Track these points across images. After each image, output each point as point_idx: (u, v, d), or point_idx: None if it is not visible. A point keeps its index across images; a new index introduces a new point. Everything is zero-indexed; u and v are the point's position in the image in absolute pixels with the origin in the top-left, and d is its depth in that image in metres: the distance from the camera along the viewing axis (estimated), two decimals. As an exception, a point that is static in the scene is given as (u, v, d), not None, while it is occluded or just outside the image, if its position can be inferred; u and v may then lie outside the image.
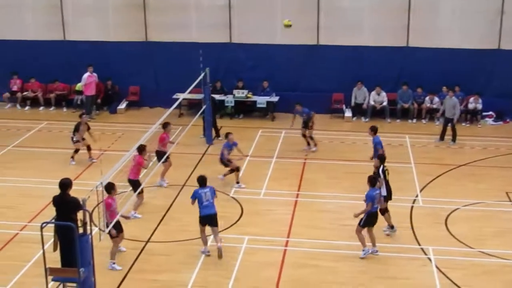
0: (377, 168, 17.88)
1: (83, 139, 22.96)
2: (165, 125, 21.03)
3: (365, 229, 16.55)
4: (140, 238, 17.37)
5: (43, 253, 13.24)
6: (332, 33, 28.18)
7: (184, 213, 18.68)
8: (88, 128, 23.13)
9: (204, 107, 24.68)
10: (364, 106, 27.77)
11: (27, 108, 29.95)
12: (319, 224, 18.28)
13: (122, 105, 29.36)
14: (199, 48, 25.79)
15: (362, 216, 16.43)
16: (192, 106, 28.42)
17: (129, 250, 16.75)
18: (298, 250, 16.93)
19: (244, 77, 28.49)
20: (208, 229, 16.53)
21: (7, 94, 30.10)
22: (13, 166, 22.72)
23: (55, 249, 14.06)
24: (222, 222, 18.22)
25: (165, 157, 20.69)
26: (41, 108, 29.76)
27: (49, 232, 13.78)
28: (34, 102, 29.97)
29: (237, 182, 20.85)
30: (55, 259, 13.71)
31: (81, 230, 13.34)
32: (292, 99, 27.46)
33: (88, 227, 13.36)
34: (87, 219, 13.35)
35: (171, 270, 15.96)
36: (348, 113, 27.92)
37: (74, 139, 22.90)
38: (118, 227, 15.83)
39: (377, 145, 20.01)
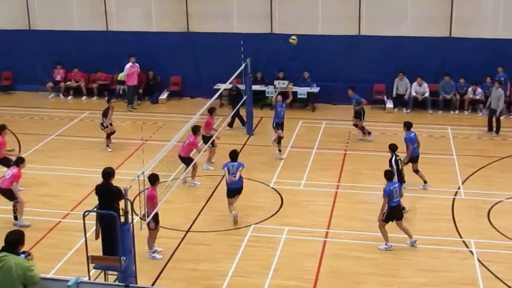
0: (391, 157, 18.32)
1: (111, 124, 23.40)
2: (211, 110, 21.51)
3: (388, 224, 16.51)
4: (181, 228, 17.48)
5: (85, 241, 13.39)
6: (374, 23, 28.00)
7: (224, 203, 18.72)
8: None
9: (245, 97, 24.72)
10: (406, 97, 27.54)
11: (70, 97, 30.28)
12: (359, 216, 18.23)
13: (164, 95, 29.52)
14: (240, 39, 25.79)
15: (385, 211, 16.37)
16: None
17: (169, 239, 16.85)
18: (338, 241, 16.91)
19: (284, 68, 28.44)
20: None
21: (50, 84, 30.45)
22: (56, 155, 23.01)
23: (97, 238, 14.22)
24: (262, 212, 18.36)
25: (210, 141, 20.89)
26: (84, 97, 30.06)
27: (91, 221, 13.93)
28: (77, 92, 30.28)
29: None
30: (97, 247, 13.87)
31: (122, 219, 13.46)
32: (333, 90, 27.54)
33: (130, 216, 13.49)
34: (129, 208, 13.47)
35: (211, 260, 16.04)
36: (389, 104, 27.73)
37: (104, 124, 23.25)
38: (157, 219, 15.93)
39: (407, 141, 19.63)
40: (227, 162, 17.92)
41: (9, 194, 17.88)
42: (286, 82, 27.70)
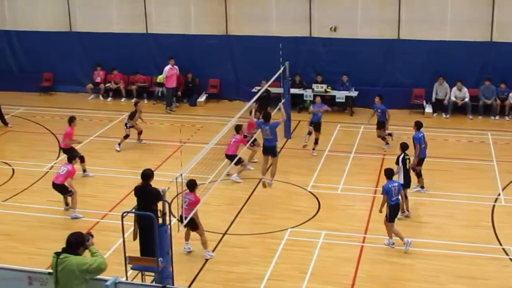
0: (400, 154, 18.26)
1: (135, 124, 23.99)
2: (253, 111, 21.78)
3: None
4: (218, 230, 17.52)
5: (123, 242, 13.49)
6: (413, 27, 27.80)
7: (262, 206, 18.80)
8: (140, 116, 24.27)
9: (283, 100, 24.70)
10: (445, 102, 27.31)
11: (109, 99, 30.54)
12: (397, 221, 18.07)
13: (202, 98, 29.62)
14: (279, 42, 25.77)
15: (385, 210, 16.50)
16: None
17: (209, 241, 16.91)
18: (376, 246, 16.82)
19: (323, 71, 28.39)
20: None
21: (90, 85, 30.75)
22: (95, 156, 23.18)
23: (134, 238, 14.31)
24: (299, 216, 18.33)
25: (251, 141, 21.27)
26: (123, 99, 30.29)
27: (130, 221, 14.03)
28: (116, 94, 30.51)
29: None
30: (134, 248, 13.96)
31: (160, 220, 13.54)
32: (372, 94, 27.23)
33: (167, 218, 13.55)
34: (167, 210, 13.54)
35: (247, 263, 16.06)
36: (428, 109, 27.51)
37: (128, 125, 23.79)
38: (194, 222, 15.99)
39: (415, 140, 19.49)
40: (260, 121, 19.32)
41: (63, 189, 18.57)
42: (324, 85, 27.68)
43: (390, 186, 16.43)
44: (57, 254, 10.62)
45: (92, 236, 11.08)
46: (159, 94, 29.71)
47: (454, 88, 27.21)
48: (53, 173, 20.99)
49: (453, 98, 27.20)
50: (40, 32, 31.37)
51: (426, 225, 17.55)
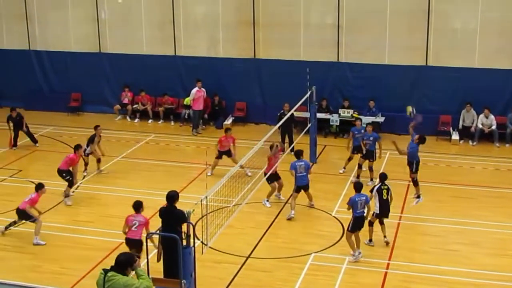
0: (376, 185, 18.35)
1: (95, 150, 23.59)
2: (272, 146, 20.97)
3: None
4: (241, 253, 17.50)
5: (147, 262, 13.52)
6: (441, 54, 27.75)
7: (286, 230, 18.75)
8: (99, 141, 23.76)
9: (309, 125, 24.73)
10: (472, 129, 27.16)
11: (136, 120, 30.72)
12: (422, 248, 18.01)
13: (228, 121, 29.71)
14: (306, 66, 25.86)
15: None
16: (297, 124, 28.43)
17: (230, 264, 16.90)
18: (400, 273, 16.69)
19: (350, 97, 28.40)
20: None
21: (117, 106, 30.98)
22: (121, 176, 23.33)
23: (158, 260, 14.35)
24: (324, 241, 18.27)
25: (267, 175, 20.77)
26: (150, 120, 30.46)
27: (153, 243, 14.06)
28: (143, 115, 30.70)
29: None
30: (158, 269, 13.98)
31: (184, 242, 13.57)
32: (398, 120, 27.27)
33: (192, 240, 13.57)
34: (191, 232, 13.57)
35: (270, 287, 16.00)
36: (455, 136, 27.37)
37: (87, 151, 23.23)
38: None
39: (411, 149, 20.54)
40: (293, 161, 19.54)
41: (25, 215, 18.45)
42: (351, 110, 27.66)
43: (357, 199, 17.19)
44: (105, 271, 10.66)
45: (139, 257, 11.10)
46: (186, 116, 29.85)
47: (481, 115, 27.07)
48: (78, 192, 21.20)
49: (480, 126, 27.05)
50: (70, 52, 31.75)
51: (453, 253, 17.40)
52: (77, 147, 21.47)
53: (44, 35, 32.29)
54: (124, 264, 10.64)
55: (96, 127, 23.70)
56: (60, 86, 32.20)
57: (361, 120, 23.71)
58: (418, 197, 20.89)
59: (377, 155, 22.81)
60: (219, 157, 23.31)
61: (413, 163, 21.10)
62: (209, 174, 22.70)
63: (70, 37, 31.91)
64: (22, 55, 32.32)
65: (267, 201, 20.73)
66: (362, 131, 22.85)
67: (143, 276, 10.87)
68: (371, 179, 22.41)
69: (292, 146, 24.91)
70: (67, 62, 31.83)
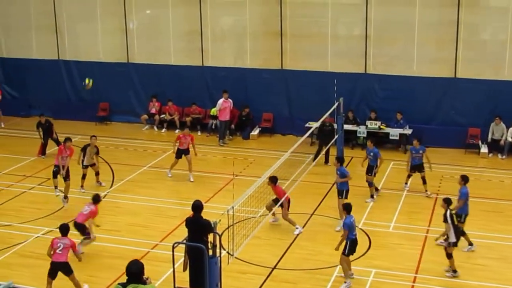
0: (445, 211, 16.86)
1: (94, 164, 23.09)
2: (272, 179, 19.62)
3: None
4: (267, 264, 17.45)
5: (173, 272, 13.52)
6: (470, 66, 27.54)
7: (312, 242, 18.68)
8: (97, 152, 23.16)
9: (336, 136, 24.66)
10: (501, 142, 26.91)
11: (163, 130, 30.82)
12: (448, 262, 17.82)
13: (255, 131, 29.71)
14: (333, 78, 25.81)
15: (343, 245, 16.34)
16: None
17: (255, 275, 16.85)
18: (426, 286, 16.56)
19: (377, 108, 28.27)
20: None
21: (145, 116, 31.10)
22: (148, 186, 23.39)
23: (184, 269, 14.35)
24: (350, 253, 18.16)
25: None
26: (177, 130, 30.51)
27: (180, 252, 14.07)
28: (170, 125, 30.79)
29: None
30: (183, 279, 13.98)
31: (210, 252, 13.55)
32: (426, 132, 27.11)
33: (218, 250, 13.55)
34: (217, 242, 13.55)
35: (296, 298, 15.96)
36: (484, 149, 27.11)
37: (84, 163, 22.91)
38: None
39: (462, 196, 18.65)
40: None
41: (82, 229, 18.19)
42: (378, 122, 27.53)
43: (351, 220, 16.40)
44: (123, 285, 10.48)
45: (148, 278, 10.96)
46: (213, 127, 29.90)
47: (511, 129, 26.80)
48: (105, 201, 21.28)
49: (509, 139, 26.78)
50: (98, 62, 31.97)
51: (481, 268, 17.23)
52: (66, 140, 21.98)
53: (73, 46, 32.57)
54: (139, 273, 10.50)
55: (91, 137, 23.30)
56: (88, 96, 32.41)
57: (418, 139, 22.74)
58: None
59: (376, 170, 22.34)
60: (178, 156, 24.08)
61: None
62: (169, 175, 24.13)
63: (99, 47, 32.17)
64: (52, 65, 32.62)
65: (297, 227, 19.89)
66: (421, 151, 22.31)
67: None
68: (372, 196, 22.24)
69: (327, 158, 25.32)
70: (95, 72, 31.97)
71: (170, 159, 26.16)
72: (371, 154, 22.25)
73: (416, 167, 22.53)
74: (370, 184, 22.26)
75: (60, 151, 21.66)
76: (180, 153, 24.00)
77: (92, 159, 22.99)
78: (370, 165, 22.21)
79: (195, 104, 30.51)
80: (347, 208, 16.70)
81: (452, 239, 16.65)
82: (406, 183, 23.08)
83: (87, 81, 23.35)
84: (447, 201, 16.87)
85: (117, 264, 17.33)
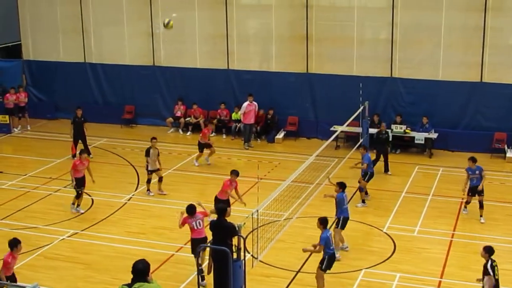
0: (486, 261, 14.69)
1: (158, 169, 22.70)
2: None
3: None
4: (292, 268, 17.46)
5: (198, 275, 13.57)
6: (496, 70, 27.38)
7: (337, 246, 18.63)
8: (158, 154, 22.80)
9: (361, 140, 24.63)
10: (528, 146, 26.74)
11: (188, 133, 30.91)
12: (474, 266, 17.65)
13: (280, 135, 29.71)
14: (359, 81, 25.80)
15: (311, 253, 15.95)
16: (349, 139, 28.37)
17: (280, 278, 16.87)
18: (452, 291, 16.52)
19: (403, 112, 28.17)
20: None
21: (170, 119, 31.23)
22: (173, 189, 23.47)
23: (209, 272, 14.42)
24: (374, 257, 18.15)
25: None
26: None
27: (205, 255, 14.12)
28: (196, 128, 30.88)
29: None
30: (209, 282, 14.04)
31: (235, 255, 13.59)
32: (452, 137, 27.04)
33: (242, 253, 13.59)
34: (242, 245, 13.59)
35: (320, 302, 15.94)
36: (510, 154, 26.91)
37: (149, 168, 22.61)
38: None
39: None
40: (340, 193, 18.20)
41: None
42: (403, 126, 27.44)
43: (328, 235, 15.56)
44: (128, 285, 10.50)
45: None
46: (237, 130, 29.95)
47: (537, 133, 26.64)
48: (130, 204, 21.41)
49: (535, 143, 26.61)
50: (124, 65, 32.18)
51: (506, 272, 17.05)
52: (81, 152, 22.04)
53: (100, 49, 32.80)
54: (145, 271, 10.51)
55: (151, 139, 23.05)
56: (114, 99, 32.66)
57: (473, 159, 21.04)
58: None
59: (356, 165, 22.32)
60: (201, 150, 25.63)
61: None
62: (196, 164, 25.72)
63: (125, 50, 32.35)
64: (78, 67, 32.88)
65: None
66: (477, 171, 20.87)
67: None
68: (363, 200, 22.11)
69: (387, 166, 25.09)
70: (121, 75, 32.26)
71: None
72: (363, 161, 22.10)
73: (475, 189, 20.76)
74: (361, 189, 22.16)
75: (75, 165, 21.28)
76: (202, 146, 25.61)
77: (156, 164, 22.66)
78: (364, 171, 22.07)
79: (224, 104, 30.58)
80: (323, 223, 15.68)
81: None
82: (465, 207, 21.31)
83: (167, 20, 23.02)
84: (489, 251, 14.67)
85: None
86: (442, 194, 23.07)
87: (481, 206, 20.72)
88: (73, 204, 21.48)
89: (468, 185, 20.93)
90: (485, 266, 14.57)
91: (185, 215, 16.60)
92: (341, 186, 18.11)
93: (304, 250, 16.23)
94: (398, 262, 17.98)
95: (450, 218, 20.91)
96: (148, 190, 22.87)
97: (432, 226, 20.37)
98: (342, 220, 18.09)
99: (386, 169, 25.05)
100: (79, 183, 21.32)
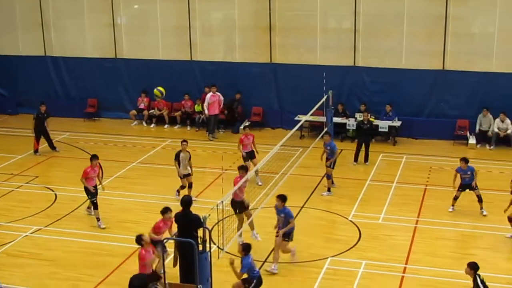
0: (473, 279, 14.42)
1: (189, 174, 21.29)
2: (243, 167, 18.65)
3: None
4: (258, 258, 17.41)
5: (163, 268, 13.49)
6: (459, 58, 27.58)
7: (302, 235, 18.67)
8: (189, 158, 21.34)
9: (325, 129, 24.68)
10: (489, 133, 26.99)
11: (152, 125, 30.75)
12: (439, 252, 17.89)
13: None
14: (323, 71, 25.83)
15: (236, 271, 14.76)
16: (313, 128, 28.44)
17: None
18: (417, 277, 16.61)
19: (367, 101, 28.28)
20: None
21: (134, 112, 31.03)
22: (137, 182, 23.34)
23: (175, 265, 14.34)
24: (340, 245, 18.21)
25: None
26: (166, 126, 30.49)
27: (170, 248, 14.05)
28: (160, 120, 30.73)
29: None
30: (174, 275, 13.97)
31: (200, 247, 13.54)
32: (415, 124, 27.24)
33: (208, 245, 13.55)
34: (207, 237, 13.55)
35: (287, 291, 15.98)
36: (472, 140, 27.20)
37: (181, 172, 21.24)
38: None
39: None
40: None
41: None
42: (368, 114, 27.54)
43: (249, 261, 14.67)
44: None
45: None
46: (200, 121, 29.84)
47: (497, 120, 26.88)
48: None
49: (495, 130, 26.87)
50: (86, 58, 31.86)
51: (471, 258, 17.17)
52: (92, 158, 20.00)
53: (61, 42, 32.40)
54: (141, 286, 10.38)
55: (182, 142, 21.47)
56: (77, 92, 32.35)
57: (465, 160, 20.35)
58: (329, 190, 21.82)
59: (331, 161, 22.05)
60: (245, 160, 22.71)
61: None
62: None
63: (87, 43, 32.02)
64: (39, 61, 32.48)
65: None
66: (469, 172, 20.39)
67: None
68: (328, 189, 22.13)
69: (367, 157, 25.05)
70: (83, 68, 31.94)
71: (160, 155, 26.19)
72: (328, 148, 22.09)
73: (467, 186, 20.41)
74: (329, 177, 22.19)
75: (86, 173, 19.56)
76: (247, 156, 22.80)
77: (187, 168, 21.22)
78: (328, 159, 22.09)
79: (187, 95, 30.45)
80: (245, 249, 14.75)
81: None
82: (452, 205, 20.70)
83: (157, 92, 21.18)
84: (473, 267, 14.36)
85: (109, 262, 17.36)
86: (407, 181, 23.23)
87: (480, 200, 20.35)
88: (98, 220, 19.72)
89: (457, 182, 20.48)
90: (474, 283, 14.32)
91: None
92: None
93: (231, 263, 14.42)
94: (363, 250, 18.06)
95: (414, 205, 21.06)
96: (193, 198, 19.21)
97: (397, 213, 20.49)
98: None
99: (366, 159, 25.08)
100: (93, 193, 19.72)
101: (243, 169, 18.31)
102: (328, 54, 28.91)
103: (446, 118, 27.73)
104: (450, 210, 20.64)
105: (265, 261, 17.38)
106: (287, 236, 16.76)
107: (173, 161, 21.31)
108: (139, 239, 14.56)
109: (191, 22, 30.30)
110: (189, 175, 21.28)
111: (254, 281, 14.75)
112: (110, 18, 31.26)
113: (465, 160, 20.35)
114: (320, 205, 20.81)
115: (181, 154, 21.14)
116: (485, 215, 20.18)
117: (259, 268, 16.46)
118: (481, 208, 20.38)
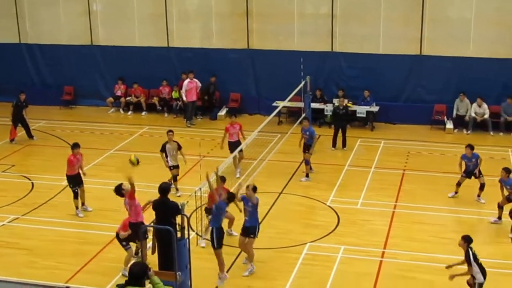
0: (465, 251, 14.40)
1: (177, 166, 20.86)
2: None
3: None
4: (237, 244, 17.38)
5: (142, 255, 13.45)
6: (436, 43, 27.67)
7: (281, 221, 18.70)
8: (179, 147, 20.97)
9: (303, 115, 24.67)
10: (466, 118, 27.12)
11: (129, 112, 30.60)
12: (417, 236, 17.98)
13: (222, 112, 29.60)
14: (300, 57, 25.80)
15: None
16: (291, 114, 28.43)
17: (225, 255, 16.77)
18: (395, 261, 16.70)
19: (345, 86, 28.30)
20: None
21: (110, 99, 30.85)
22: (115, 170, 23.19)
23: (153, 252, 14.29)
24: (319, 230, 18.25)
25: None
26: (144, 113, 30.35)
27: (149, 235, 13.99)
28: (137, 107, 30.58)
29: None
30: (153, 262, 13.92)
31: (179, 234, 13.51)
32: (393, 110, 27.30)
33: (186, 232, 13.51)
34: (185, 224, 13.51)
35: (266, 277, 15.97)
36: (449, 125, 27.32)
37: (170, 164, 20.83)
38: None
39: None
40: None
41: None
42: (345, 100, 27.56)
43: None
44: (121, 286, 10.37)
45: (150, 269, 10.76)
46: (178, 108, 29.73)
47: (474, 104, 27.02)
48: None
49: (473, 114, 27.00)
50: (62, 45, 31.56)
51: (449, 242, 17.33)
52: (73, 146, 19.66)
53: (36, 30, 32.07)
54: (139, 275, 10.34)
55: (167, 133, 21.09)
56: (53, 80, 32.07)
57: (471, 147, 20.23)
58: (307, 176, 21.79)
59: (312, 149, 22.11)
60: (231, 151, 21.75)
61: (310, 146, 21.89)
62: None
63: (62, 30, 31.71)
64: (13, 49, 32.10)
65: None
66: (473, 159, 20.27)
67: (159, 285, 10.67)
68: (307, 175, 22.12)
69: (345, 142, 25.02)
70: (59, 55, 31.66)
71: (137, 142, 26.04)
72: (307, 133, 22.08)
73: (471, 173, 20.29)
74: (307, 162, 22.18)
75: (71, 162, 19.26)
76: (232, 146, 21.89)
77: (176, 159, 20.81)
78: (307, 144, 22.09)
79: (166, 80, 30.32)
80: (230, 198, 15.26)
81: (480, 279, 14.26)
82: (455, 192, 20.61)
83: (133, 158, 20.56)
84: (468, 240, 14.36)
85: (87, 250, 17.28)
86: (385, 166, 23.30)
87: (482, 187, 20.18)
88: (77, 208, 19.57)
89: (463, 170, 20.36)
90: (466, 256, 14.27)
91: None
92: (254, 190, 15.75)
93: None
94: (342, 235, 18.11)
95: (392, 190, 21.14)
96: (177, 189, 20.58)
97: (375, 198, 20.56)
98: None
99: (344, 145, 25.09)
100: (74, 182, 19.45)
101: (223, 180, 17.01)
102: (306, 39, 28.88)
103: (424, 103, 27.83)
104: (450, 195, 20.59)
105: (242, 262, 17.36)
106: (252, 232, 16.13)
107: (159, 152, 20.96)
108: (119, 189, 15.62)
109: (168, 8, 30.13)
110: (177, 166, 20.84)
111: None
112: (85, 5, 30.97)
113: (470, 146, 20.19)
114: (299, 190, 20.82)
115: (167, 145, 20.77)
116: (482, 203, 20.10)
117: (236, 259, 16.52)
118: (479, 195, 20.29)
